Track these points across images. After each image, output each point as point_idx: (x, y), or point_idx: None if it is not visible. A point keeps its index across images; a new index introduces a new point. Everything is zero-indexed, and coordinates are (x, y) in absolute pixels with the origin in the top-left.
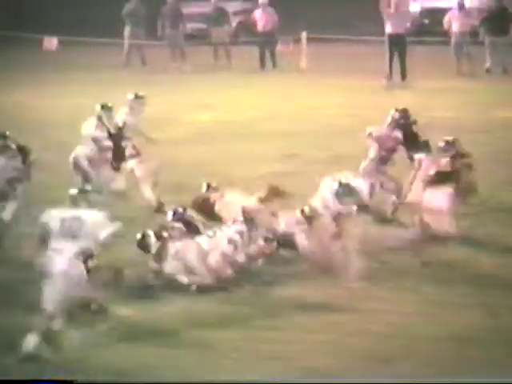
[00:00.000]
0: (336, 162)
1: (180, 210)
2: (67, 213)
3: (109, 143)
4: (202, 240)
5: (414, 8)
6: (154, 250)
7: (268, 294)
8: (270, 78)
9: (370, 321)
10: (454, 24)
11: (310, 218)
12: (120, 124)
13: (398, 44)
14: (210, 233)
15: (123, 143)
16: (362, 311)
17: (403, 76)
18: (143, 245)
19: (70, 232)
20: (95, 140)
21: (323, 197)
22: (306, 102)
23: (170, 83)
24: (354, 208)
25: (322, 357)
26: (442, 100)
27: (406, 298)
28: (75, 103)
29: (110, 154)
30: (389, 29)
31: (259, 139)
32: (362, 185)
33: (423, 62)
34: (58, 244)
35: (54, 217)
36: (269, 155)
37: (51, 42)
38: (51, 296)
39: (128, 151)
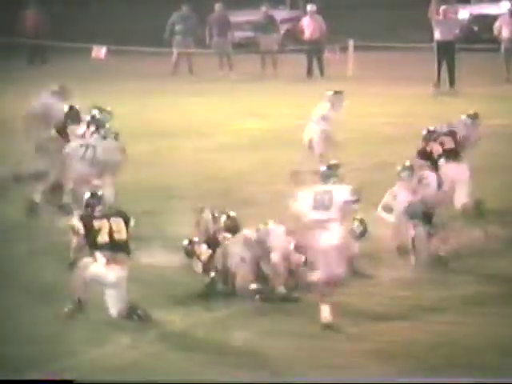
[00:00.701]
0: (382, 170)
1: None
2: (319, 188)
3: None
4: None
5: (463, 15)
6: (203, 257)
7: (314, 303)
8: (317, 86)
9: (415, 330)
10: (504, 30)
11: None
12: None
13: (446, 51)
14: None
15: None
16: (408, 320)
17: (451, 83)
18: (189, 251)
19: (323, 205)
20: None
21: (392, 191)
22: (354, 110)
23: (216, 91)
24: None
25: (369, 365)
26: (492, 107)
27: (453, 308)
28: (121, 112)
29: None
30: (438, 36)
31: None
32: (431, 176)
33: (472, 69)
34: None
35: (307, 192)
36: (315, 163)
37: (100, 51)
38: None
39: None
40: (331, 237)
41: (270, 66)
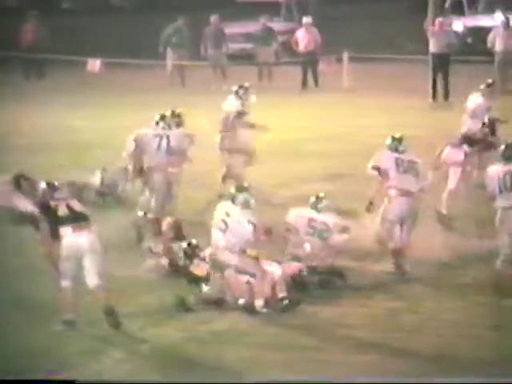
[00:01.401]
0: None
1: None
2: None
3: None
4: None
5: (457, 27)
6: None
7: (311, 314)
8: (313, 98)
9: (410, 341)
10: (497, 42)
11: None
12: None
13: (441, 63)
14: None
15: None
16: (403, 331)
17: (446, 95)
18: (189, 253)
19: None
20: None
21: None
22: (350, 122)
23: (210, 104)
24: None
25: (365, 376)
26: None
27: (450, 319)
28: (116, 125)
29: None
30: (432, 48)
31: (301, 159)
32: None
33: (467, 81)
34: None
35: None
36: (311, 175)
37: (95, 65)
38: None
39: None
40: None
41: (265, 78)
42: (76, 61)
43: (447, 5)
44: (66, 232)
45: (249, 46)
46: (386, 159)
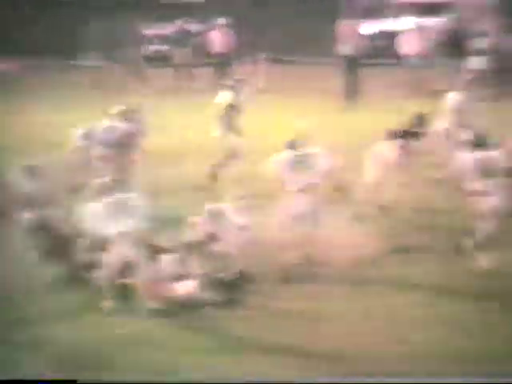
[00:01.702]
0: None
1: None
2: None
3: None
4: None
5: (369, 30)
6: None
7: (218, 317)
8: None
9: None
10: (407, 46)
11: None
12: None
13: (351, 65)
14: None
15: None
16: (312, 334)
17: (356, 97)
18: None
19: None
20: None
21: None
22: (263, 123)
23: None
24: None
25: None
26: (396, 119)
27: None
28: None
29: None
30: (343, 50)
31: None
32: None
33: (378, 84)
34: None
35: None
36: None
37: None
38: None
39: None
40: None
41: (184, 80)
42: None
43: (358, 8)
44: None
45: (164, 47)
46: (282, 158)
